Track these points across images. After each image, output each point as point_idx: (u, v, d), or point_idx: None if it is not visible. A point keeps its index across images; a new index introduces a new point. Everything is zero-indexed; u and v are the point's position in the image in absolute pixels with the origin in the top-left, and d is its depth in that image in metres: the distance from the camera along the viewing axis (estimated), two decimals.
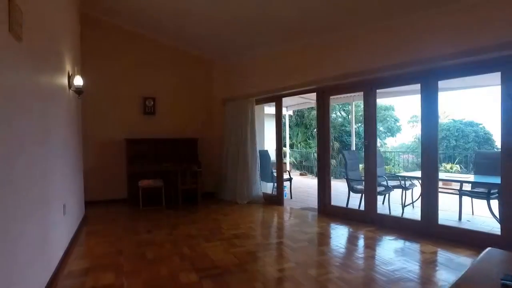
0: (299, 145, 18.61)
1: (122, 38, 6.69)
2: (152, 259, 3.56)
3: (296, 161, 15.77)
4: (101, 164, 6.51)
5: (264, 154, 7.06)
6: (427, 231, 4.22)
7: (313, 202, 6.54)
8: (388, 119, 21.38)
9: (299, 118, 18.81)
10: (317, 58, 5.44)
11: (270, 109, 8.30)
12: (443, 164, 10.16)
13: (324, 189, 5.60)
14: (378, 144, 21.66)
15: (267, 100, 6.67)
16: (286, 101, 7.49)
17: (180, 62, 7.21)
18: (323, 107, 5.60)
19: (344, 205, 5.61)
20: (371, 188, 4.94)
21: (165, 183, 6.21)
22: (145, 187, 5.94)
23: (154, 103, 6.88)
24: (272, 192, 6.91)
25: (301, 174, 12.73)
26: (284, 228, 5.01)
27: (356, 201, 5.57)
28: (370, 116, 4.92)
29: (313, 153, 17.95)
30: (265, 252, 3.80)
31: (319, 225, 5.00)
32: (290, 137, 17.54)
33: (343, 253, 3.77)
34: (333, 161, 19.15)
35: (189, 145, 6.98)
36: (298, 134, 18.41)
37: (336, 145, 19.18)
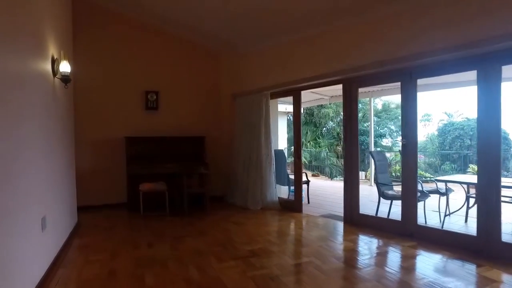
0: (308, 144, 17.87)
1: (123, 27, 5.98)
2: (153, 285, 2.83)
3: (306, 160, 15.02)
4: (98, 165, 5.83)
5: (280, 154, 6.31)
6: (486, 250, 3.44)
7: (334, 208, 5.86)
8: (399, 117, 20.56)
9: (308, 116, 18.06)
10: (346, 44, 4.68)
11: (279, 106, 7.63)
12: (471, 166, 9.36)
13: (351, 195, 4.84)
14: (388, 143, 20.93)
15: (283, 94, 5.92)
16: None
17: (186, 53, 6.48)
18: (350, 101, 4.84)
19: (372, 213, 4.88)
20: (410, 194, 4.16)
21: (169, 186, 5.51)
22: (146, 192, 5.24)
23: (157, 97, 6.18)
24: (288, 197, 6.19)
25: (313, 175, 11.98)
26: (308, 242, 4.21)
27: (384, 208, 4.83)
28: (409, 110, 4.15)
29: (323, 152, 17.32)
30: (292, 277, 3.04)
31: (349, 238, 4.24)
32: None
33: (390, 279, 2.99)
34: (342, 161, 18.49)
35: (195, 144, 6.26)
36: (307, 132, 17.67)
37: None
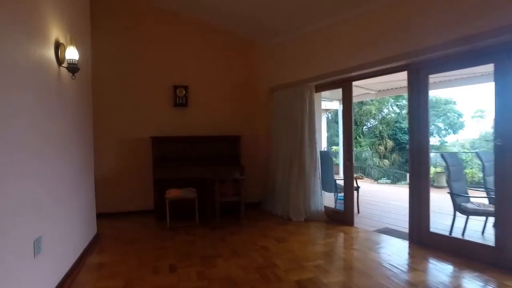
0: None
1: (149, 16, 5.38)
2: None
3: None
4: (122, 168, 5.27)
5: (325, 156, 5.42)
6: None
7: (390, 220, 4.92)
8: (448, 114, 18.75)
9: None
10: (416, 19, 3.70)
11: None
12: None
13: (419, 207, 3.84)
14: (436, 142, 19.13)
15: (329, 87, 5.01)
16: (338, 92, 5.86)
17: (218, 43, 5.76)
18: (417, 91, 3.85)
19: (443, 231, 3.89)
20: (508, 210, 3.15)
21: (199, 192, 4.82)
22: (173, 199, 4.58)
23: (187, 92, 5.52)
24: (336, 206, 5.30)
25: (357, 178, 10.88)
26: (368, 270, 3.24)
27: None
28: (508, 101, 3.13)
29: (366, 153, 16.09)
30: None
31: (420, 266, 3.25)
32: (336, 135, 15.73)
33: None
34: (385, 161, 17.16)
35: (229, 144, 5.52)
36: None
37: (390, 143, 17.09)
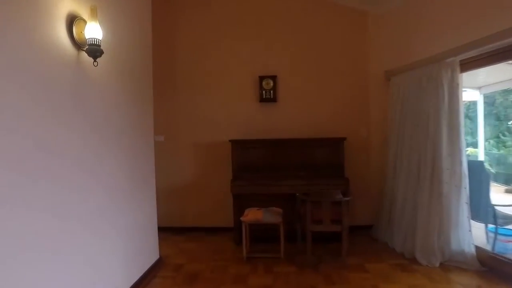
0: (486, 144, 13.18)
1: None
2: None
3: (490, 167, 10.78)
4: (197, 177, 4.48)
5: (477, 168, 3.56)
6: None
7: None
8: None
9: (487, 106, 13.30)
10: None
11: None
12: None
13: None
14: None
15: (484, 62, 3.25)
16: (478, 73, 3.91)
17: (315, 18, 4.41)
18: None
19: None
20: None
21: (288, 210, 3.71)
22: (252, 223, 3.49)
23: (275, 84, 4.38)
24: (494, 245, 3.35)
25: (507, 191, 8.10)
26: None
27: None
28: None
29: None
30: None
31: None
32: (472, 133, 12.39)
33: None
34: None
35: (329, 149, 4.14)
36: (485, 128, 13.04)
37: None
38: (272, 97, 4.35)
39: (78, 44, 2.00)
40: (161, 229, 4.44)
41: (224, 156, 4.33)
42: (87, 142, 2.14)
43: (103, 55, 2.10)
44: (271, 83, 4.34)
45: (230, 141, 4.13)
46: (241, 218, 3.40)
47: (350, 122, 4.42)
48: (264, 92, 4.35)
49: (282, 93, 4.40)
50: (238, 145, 4.14)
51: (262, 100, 4.37)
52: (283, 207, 3.77)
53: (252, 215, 3.39)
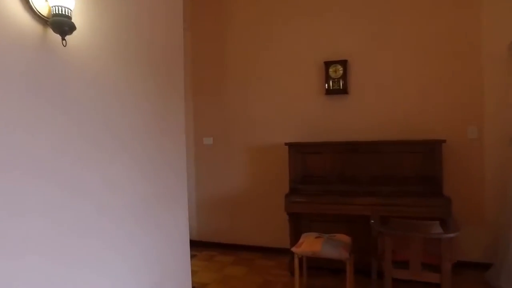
0: None
1: None
2: None
3: None
4: (248, 186, 3.72)
5: None
6: None
7: None
8: None
9: None
10: None
11: None
12: None
13: None
14: None
15: None
16: None
17: None
18: None
19: None
20: None
21: (357, 237, 2.75)
22: (307, 255, 2.58)
23: (345, 72, 3.36)
24: None
25: None
26: None
27: None
28: None
29: None
30: None
31: None
32: None
33: None
34: None
35: (420, 156, 2.98)
36: None
37: None
38: (341, 87, 3.36)
39: (42, 17, 1.43)
40: (208, 245, 3.87)
41: (282, 162, 3.50)
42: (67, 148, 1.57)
43: (103, 34, 1.49)
44: (340, 70, 3.36)
45: (286, 144, 3.28)
46: (293, 249, 2.55)
47: (452, 118, 3.16)
48: (331, 82, 3.39)
49: (354, 82, 3.38)
50: (296, 149, 3.26)
51: (329, 92, 3.41)
52: (353, 231, 2.82)
53: (308, 244, 2.51)
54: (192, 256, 3.63)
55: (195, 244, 3.92)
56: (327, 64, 3.38)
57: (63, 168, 1.52)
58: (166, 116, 2.46)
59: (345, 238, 2.58)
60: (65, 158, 1.53)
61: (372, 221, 2.41)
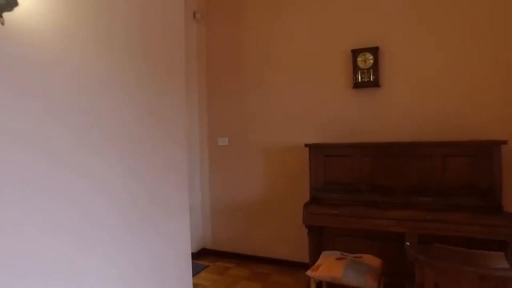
0: None
1: None
2: None
3: None
4: (264, 191, 3.30)
5: None
6: None
7: None
8: None
9: None
10: None
11: None
12: None
13: None
14: None
15: None
16: None
17: None
18: None
19: None
20: None
21: (389, 258, 2.28)
22: (325, 280, 2.10)
23: (376, 61, 2.83)
24: None
25: None
26: None
27: None
28: None
29: None
30: None
31: None
32: None
33: None
34: None
35: (472, 160, 2.38)
36: None
37: None
38: (372, 80, 2.84)
39: None
40: (223, 255, 3.51)
41: (303, 165, 3.08)
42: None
43: (68, 14, 1.18)
44: (371, 59, 2.84)
45: (306, 146, 2.83)
46: (308, 273, 2.11)
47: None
48: (360, 73, 2.88)
49: (388, 73, 2.85)
50: (318, 151, 2.80)
51: (357, 85, 2.89)
52: (385, 251, 2.34)
53: (327, 268, 2.06)
54: (204, 267, 3.32)
55: (208, 253, 3.59)
56: (355, 53, 2.87)
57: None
58: (164, 114, 2.14)
59: (373, 260, 2.10)
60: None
61: (408, 243, 1.91)
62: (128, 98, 1.87)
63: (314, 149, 2.80)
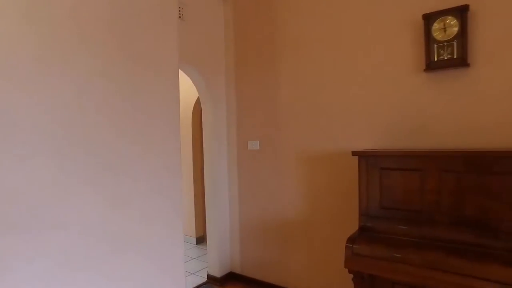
0: None
1: None
2: None
3: None
4: (306, 210, 2.51)
5: None
6: None
7: None
8: None
9: None
10: None
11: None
12: None
13: None
14: None
15: None
16: None
17: None
18: None
19: None
20: None
21: None
22: None
23: (463, 28, 1.86)
24: None
25: None
26: None
27: None
28: None
29: None
30: None
31: None
32: None
33: None
34: None
35: None
36: None
37: None
38: (456, 57, 1.89)
39: None
40: (251, 282, 2.82)
41: (350, 178, 2.28)
42: None
43: None
44: (455, 26, 1.89)
45: (355, 154, 2.00)
46: None
47: None
48: (436, 48, 1.94)
49: (482, 46, 1.86)
50: (372, 162, 1.95)
51: (432, 66, 1.96)
52: None
53: None
54: None
55: (236, 278, 2.96)
56: (429, 18, 1.94)
57: None
58: (146, 114, 1.57)
59: None
60: None
61: None
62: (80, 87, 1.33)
63: (365, 158, 1.96)
